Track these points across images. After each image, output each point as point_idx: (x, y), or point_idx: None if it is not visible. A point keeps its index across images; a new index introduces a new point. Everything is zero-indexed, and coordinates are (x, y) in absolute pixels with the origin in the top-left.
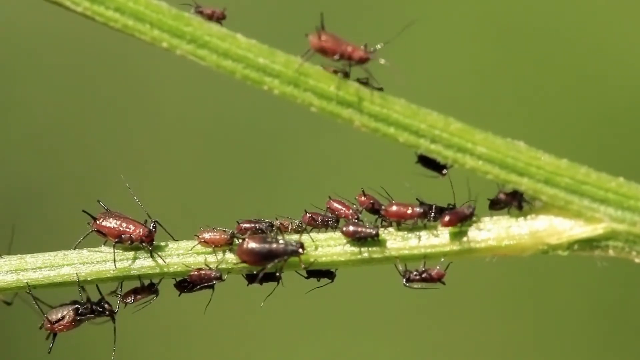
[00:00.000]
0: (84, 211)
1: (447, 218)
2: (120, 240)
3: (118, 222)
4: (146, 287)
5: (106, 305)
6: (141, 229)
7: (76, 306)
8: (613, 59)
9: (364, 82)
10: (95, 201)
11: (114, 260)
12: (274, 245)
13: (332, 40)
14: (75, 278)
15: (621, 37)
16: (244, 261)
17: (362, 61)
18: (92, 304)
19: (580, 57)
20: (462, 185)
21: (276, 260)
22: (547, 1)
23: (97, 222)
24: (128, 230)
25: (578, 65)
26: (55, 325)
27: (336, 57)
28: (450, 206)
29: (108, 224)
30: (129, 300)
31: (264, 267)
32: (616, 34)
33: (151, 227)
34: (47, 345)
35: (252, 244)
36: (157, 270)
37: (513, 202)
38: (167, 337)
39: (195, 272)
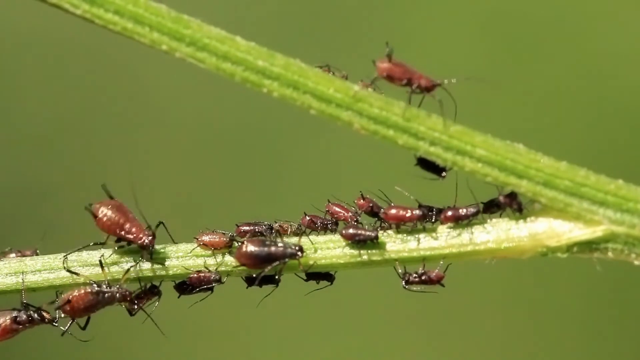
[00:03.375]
0: (87, 208)
1: (449, 213)
2: (120, 240)
3: (120, 222)
4: (148, 290)
5: (45, 314)
6: (142, 234)
7: (14, 315)
8: (613, 61)
9: (364, 85)
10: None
11: (114, 263)
12: (273, 249)
13: (401, 67)
14: (74, 281)
15: (621, 39)
16: (242, 264)
17: (429, 89)
18: (31, 311)
19: (580, 60)
20: (462, 188)
21: (275, 263)
22: (546, 4)
23: (97, 220)
24: (130, 234)
25: (577, 68)
26: None
27: (403, 83)
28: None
29: (110, 222)
30: (134, 306)
31: (263, 270)
32: (616, 36)
33: (152, 233)
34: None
35: (251, 247)
36: (157, 273)
37: (512, 204)
38: (165, 338)
39: (195, 275)
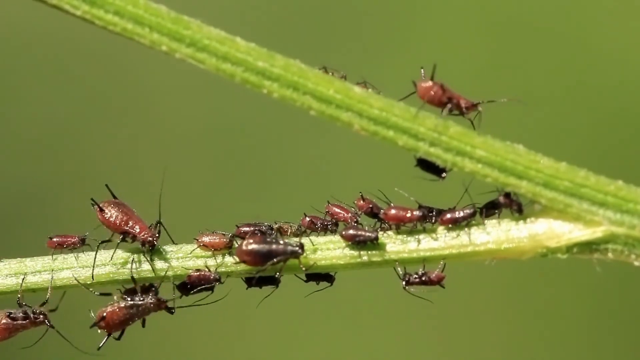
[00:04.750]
0: (93, 202)
1: (446, 216)
2: (123, 238)
3: (125, 219)
4: (146, 290)
5: (40, 313)
6: (146, 232)
7: (8, 312)
8: (612, 62)
9: (363, 85)
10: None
11: (113, 264)
12: (274, 245)
13: (442, 88)
14: (74, 282)
15: (621, 40)
16: (243, 261)
17: (469, 109)
18: (26, 309)
19: (579, 60)
20: (460, 189)
21: (276, 259)
22: (546, 5)
23: (104, 214)
24: (133, 230)
25: (577, 68)
26: None
27: (443, 103)
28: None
29: (113, 219)
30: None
31: (262, 268)
32: (616, 38)
33: (156, 234)
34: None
35: (252, 244)
36: (157, 274)
37: (512, 205)
38: (164, 338)
39: (194, 274)
